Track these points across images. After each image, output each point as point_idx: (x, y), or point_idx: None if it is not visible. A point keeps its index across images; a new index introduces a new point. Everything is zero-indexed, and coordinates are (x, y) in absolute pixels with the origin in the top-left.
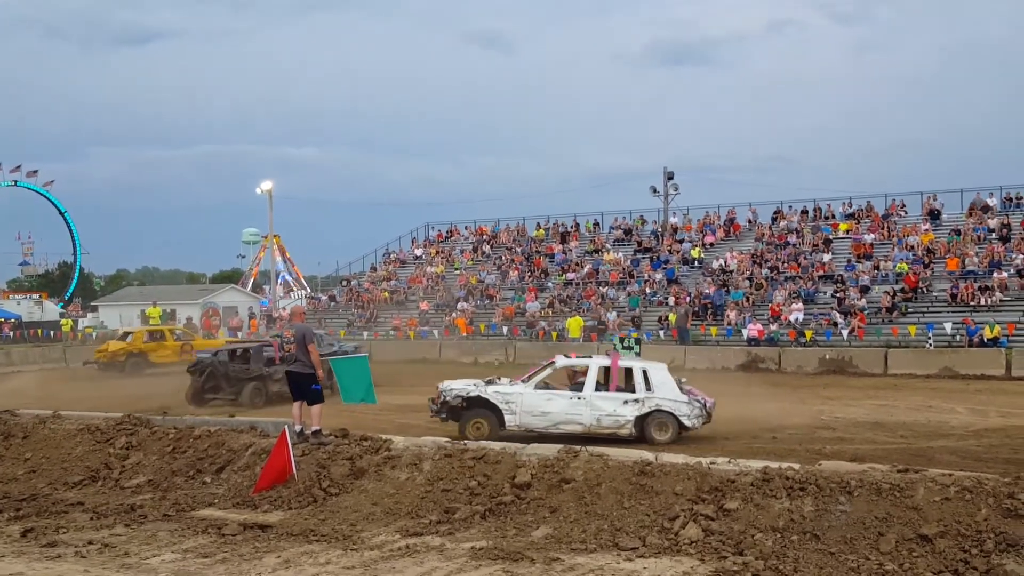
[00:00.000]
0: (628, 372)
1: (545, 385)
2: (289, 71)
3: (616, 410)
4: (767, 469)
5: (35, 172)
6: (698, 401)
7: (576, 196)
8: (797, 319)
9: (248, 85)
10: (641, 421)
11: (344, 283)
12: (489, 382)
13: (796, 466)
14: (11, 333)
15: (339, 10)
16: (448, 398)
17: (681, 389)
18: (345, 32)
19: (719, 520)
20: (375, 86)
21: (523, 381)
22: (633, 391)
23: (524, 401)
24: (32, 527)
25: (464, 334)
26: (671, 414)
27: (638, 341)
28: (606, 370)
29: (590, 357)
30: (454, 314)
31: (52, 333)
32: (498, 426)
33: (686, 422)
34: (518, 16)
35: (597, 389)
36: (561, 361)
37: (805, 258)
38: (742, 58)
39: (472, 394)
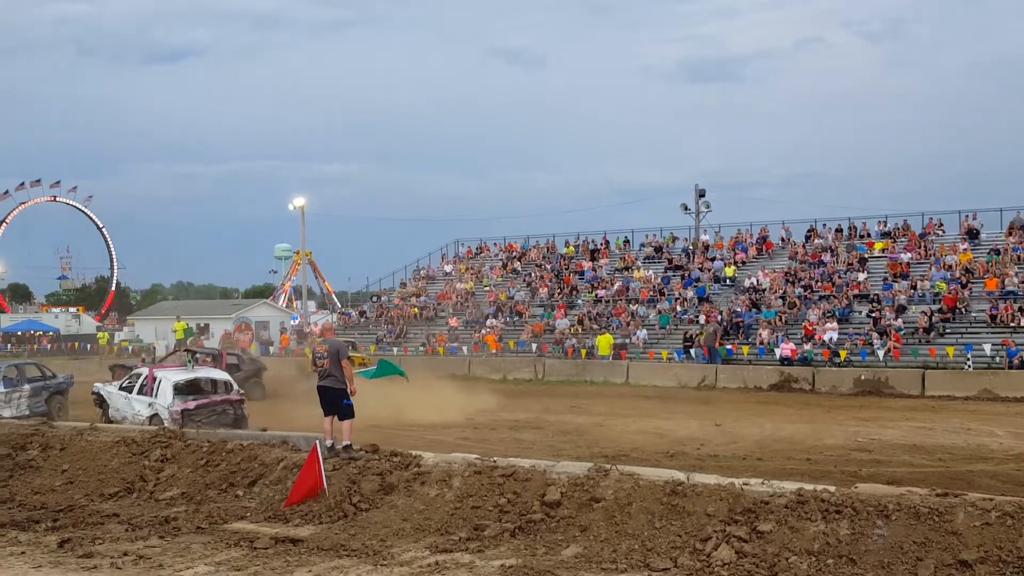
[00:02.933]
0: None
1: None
2: (318, 88)
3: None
4: (802, 491)
5: (74, 188)
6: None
7: (604, 213)
8: (831, 339)
9: (278, 102)
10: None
11: (374, 299)
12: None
13: (832, 488)
14: (49, 346)
15: (366, 27)
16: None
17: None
18: (372, 49)
19: (752, 542)
20: (403, 102)
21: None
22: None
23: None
24: (69, 538)
25: (493, 351)
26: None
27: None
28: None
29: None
30: (483, 331)
31: (89, 346)
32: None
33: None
34: (544, 32)
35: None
36: (136, 370)
37: (840, 277)
38: (771, 75)
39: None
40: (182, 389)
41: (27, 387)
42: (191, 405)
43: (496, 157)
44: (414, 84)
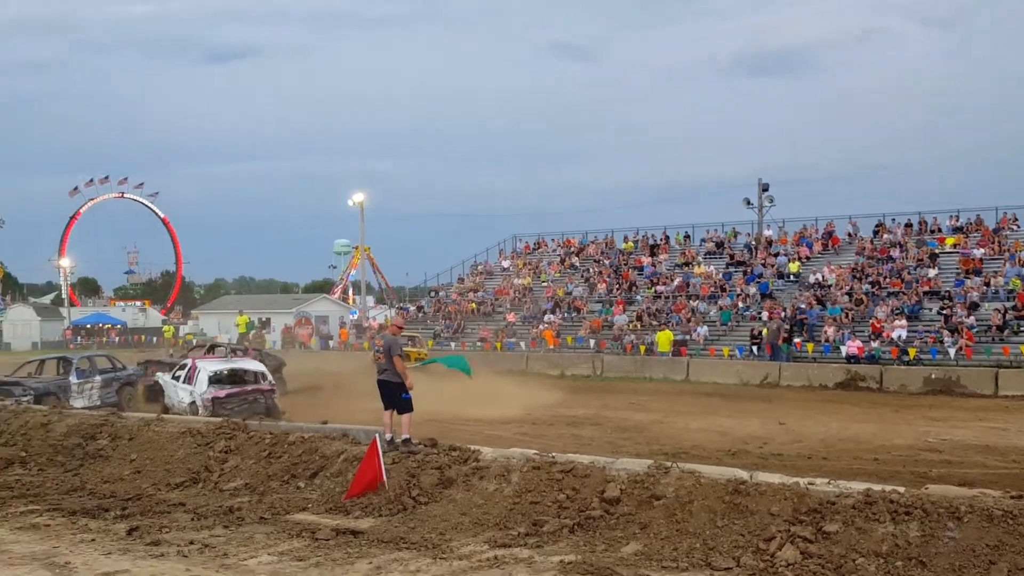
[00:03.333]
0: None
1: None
2: (377, 85)
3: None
4: (870, 491)
5: (141, 184)
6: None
7: (664, 208)
8: (900, 336)
9: (338, 98)
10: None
11: (432, 294)
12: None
13: (901, 489)
14: (116, 338)
15: (421, 23)
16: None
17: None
18: (430, 45)
19: (818, 543)
20: (460, 98)
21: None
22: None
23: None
24: (137, 526)
25: (551, 347)
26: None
27: None
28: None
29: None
30: (541, 326)
31: (155, 339)
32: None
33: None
34: (600, 26)
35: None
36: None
37: (909, 273)
38: (836, 65)
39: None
40: (217, 378)
41: (99, 378)
42: (222, 394)
43: (553, 152)
44: (471, 79)
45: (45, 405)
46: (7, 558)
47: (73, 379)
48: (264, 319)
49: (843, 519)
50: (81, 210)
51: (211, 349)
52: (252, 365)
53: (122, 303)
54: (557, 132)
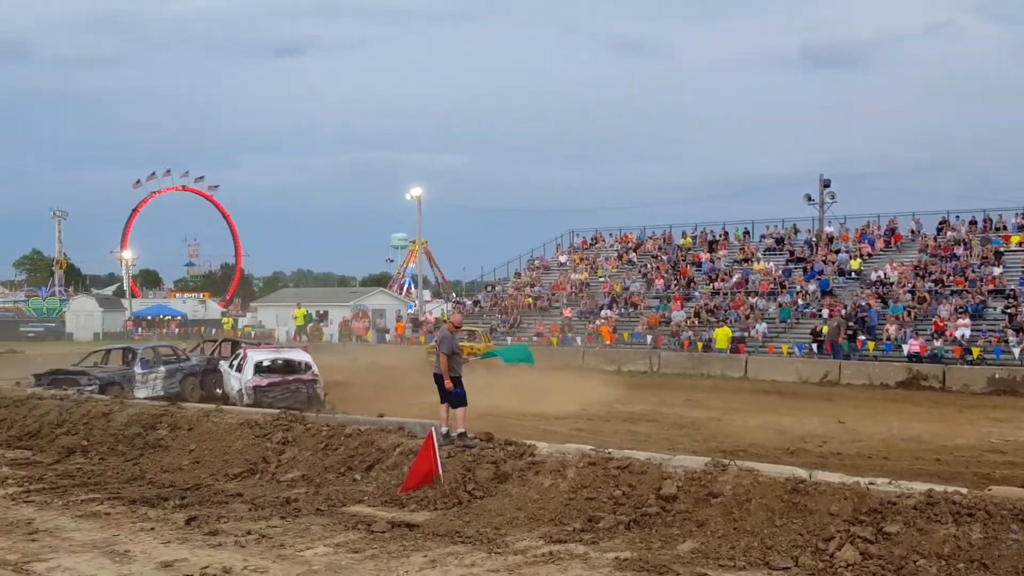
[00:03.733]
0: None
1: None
2: (435, 79)
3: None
4: (931, 492)
5: (202, 178)
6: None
7: (722, 203)
8: (964, 335)
9: (396, 93)
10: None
11: (489, 288)
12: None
13: (963, 490)
14: (177, 330)
15: (483, 18)
16: None
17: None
18: (488, 39)
19: (878, 544)
20: (519, 92)
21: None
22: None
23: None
24: (196, 515)
25: (608, 342)
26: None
27: None
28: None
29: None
30: (598, 322)
31: (214, 331)
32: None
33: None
34: (661, 20)
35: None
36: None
37: (973, 271)
38: (900, 60)
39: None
40: (261, 368)
41: (163, 368)
42: (263, 383)
43: (612, 147)
44: (529, 74)
45: (109, 395)
46: (68, 545)
47: (138, 369)
48: (321, 312)
49: (904, 520)
50: (143, 203)
51: (233, 345)
52: (298, 356)
53: (182, 295)
54: (617, 126)
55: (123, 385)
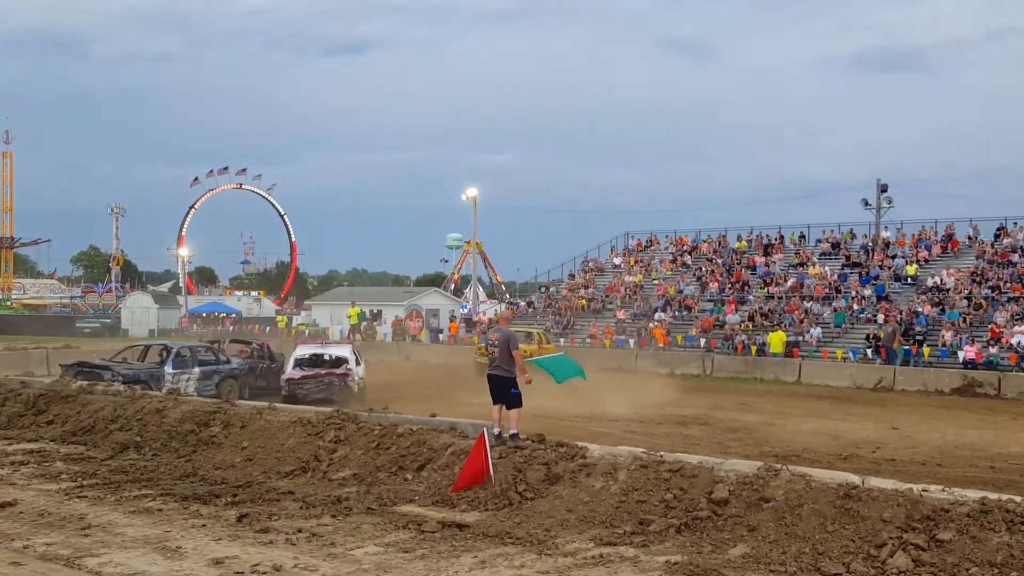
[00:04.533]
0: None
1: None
2: (490, 79)
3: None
4: (985, 500)
5: (259, 176)
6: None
7: (778, 207)
8: (1020, 342)
9: (449, 92)
10: None
11: (542, 289)
12: None
13: (1017, 499)
14: (231, 327)
15: (536, 18)
16: None
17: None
18: (542, 40)
19: (931, 551)
20: (574, 93)
21: None
22: None
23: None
24: (247, 513)
25: (661, 345)
26: None
27: None
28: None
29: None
30: (651, 324)
31: (268, 329)
32: None
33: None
34: (717, 22)
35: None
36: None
37: None
38: (958, 66)
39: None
40: (300, 362)
41: (197, 370)
42: (297, 375)
43: (666, 149)
44: (583, 74)
45: None
46: (120, 541)
47: (168, 368)
48: (375, 311)
49: (957, 527)
50: (200, 200)
51: (217, 343)
52: (338, 351)
53: (237, 292)
54: (673, 129)
55: (149, 384)
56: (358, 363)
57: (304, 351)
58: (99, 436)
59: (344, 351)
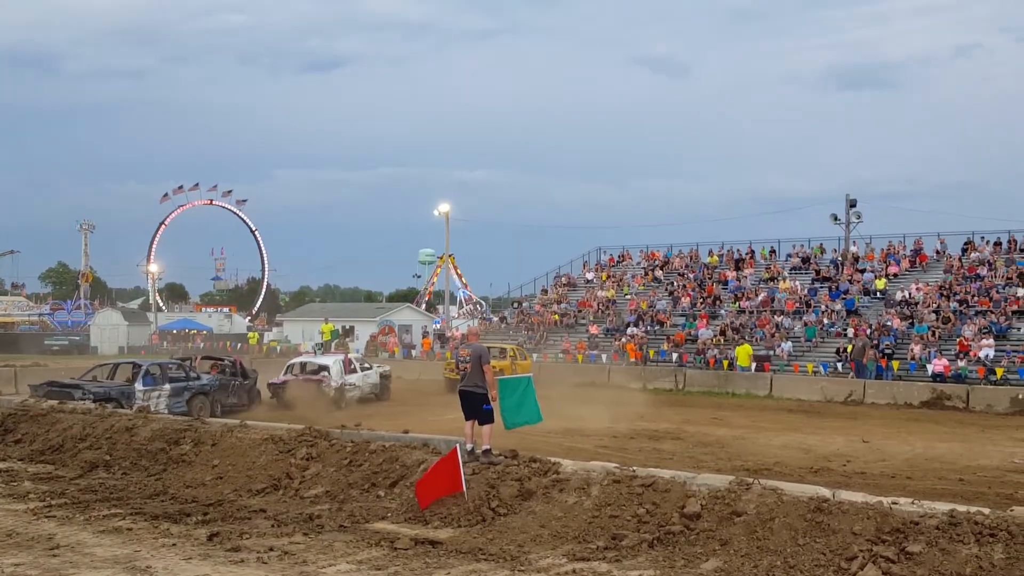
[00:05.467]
0: None
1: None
2: (463, 96)
3: None
4: (954, 512)
5: (229, 192)
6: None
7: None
8: (987, 356)
9: (423, 109)
10: None
11: (515, 304)
12: None
13: (986, 511)
14: (202, 344)
15: (511, 36)
16: None
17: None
18: (516, 57)
19: (900, 563)
20: (547, 110)
21: None
22: None
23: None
24: (218, 531)
25: (633, 359)
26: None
27: None
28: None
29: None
30: (624, 339)
31: (240, 345)
32: None
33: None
34: (688, 40)
35: None
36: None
37: (998, 292)
38: (926, 82)
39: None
40: (289, 368)
41: (168, 387)
42: (278, 380)
43: (638, 165)
44: (557, 91)
45: None
46: (90, 561)
47: (139, 386)
48: (347, 327)
49: (927, 539)
50: (170, 216)
51: (186, 360)
52: (325, 360)
53: (208, 309)
54: (644, 146)
55: (121, 402)
56: (352, 371)
57: (295, 360)
58: (68, 455)
59: (329, 361)
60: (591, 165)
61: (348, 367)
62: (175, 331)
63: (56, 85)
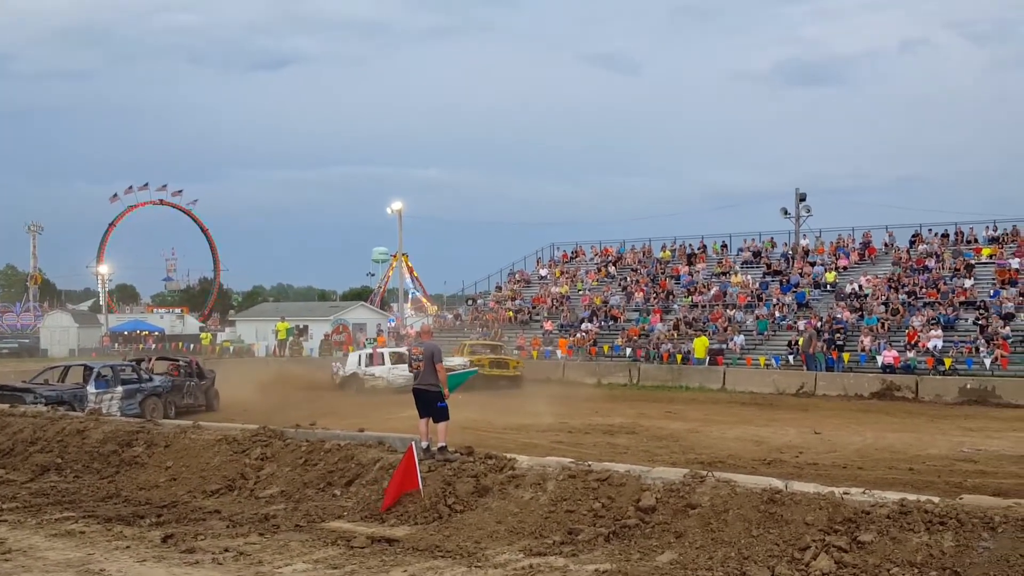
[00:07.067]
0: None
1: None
2: (418, 95)
3: None
4: (904, 501)
5: (180, 191)
6: None
7: (700, 217)
8: (936, 346)
9: (377, 108)
10: None
11: (469, 302)
12: None
13: (935, 499)
14: (154, 345)
15: (465, 35)
16: None
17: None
18: (471, 56)
19: (852, 552)
20: (500, 108)
21: None
22: None
23: None
24: (172, 533)
25: (588, 355)
26: None
27: None
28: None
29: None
30: (578, 334)
31: (192, 346)
32: None
33: None
34: (640, 37)
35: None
36: None
37: (945, 283)
38: (874, 77)
39: None
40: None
41: (120, 389)
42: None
43: (592, 162)
44: (510, 89)
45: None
46: (42, 565)
47: (91, 388)
48: (301, 327)
49: (878, 529)
50: (120, 217)
51: (139, 362)
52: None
53: (160, 310)
54: (597, 142)
55: (73, 405)
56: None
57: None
58: (18, 459)
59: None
60: (546, 163)
61: (376, 361)
62: (126, 332)
63: (1, 84)
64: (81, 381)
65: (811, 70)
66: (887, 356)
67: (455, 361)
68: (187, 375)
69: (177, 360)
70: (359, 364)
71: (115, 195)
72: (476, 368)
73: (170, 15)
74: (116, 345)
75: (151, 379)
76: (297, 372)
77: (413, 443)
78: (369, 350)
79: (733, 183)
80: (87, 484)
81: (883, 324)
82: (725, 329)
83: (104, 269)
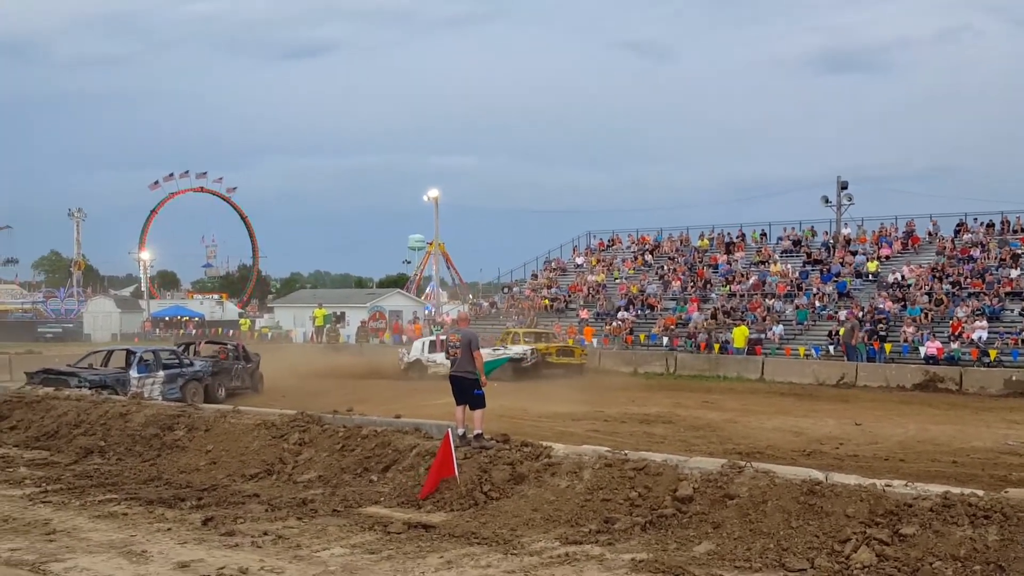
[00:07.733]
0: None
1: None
2: (452, 81)
3: None
4: (948, 494)
5: (220, 179)
6: None
7: (738, 206)
8: (980, 337)
9: (413, 95)
10: None
11: (505, 290)
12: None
13: (980, 492)
14: (194, 331)
15: (498, 21)
16: None
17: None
18: (504, 42)
19: (894, 545)
20: (535, 95)
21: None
22: None
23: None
24: (212, 516)
25: (625, 344)
26: None
27: None
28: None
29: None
30: (614, 323)
31: (231, 332)
32: None
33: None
34: (674, 25)
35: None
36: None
37: (991, 273)
38: (913, 65)
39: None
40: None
41: (162, 373)
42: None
43: (627, 150)
44: (545, 77)
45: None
46: (86, 545)
47: (133, 373)
48: (339, 314)
49: (920, 522)
50: (161, 204)
51: (187, 346)
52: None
53: (200, 296)
54: (634, 129)
55: (116, 389)
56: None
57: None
58: (63, 441)
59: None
60: (580, 150)
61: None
62: (167, 318)
63: (43, 72)
64: (124, 365)
65: (848, 58)
66: (930, 347)
67: (516, 349)
68: (235, 359)
69: (225, 344)
70: (422, 351)
71: (156, 182)
72: (521, 355)
73: (205, 4)
74: (157, 330)
75: (192, 364)
76: (355, 361)
77: (449, 430)
78: (432, 337)
79: (773, 172)
80: (129, 467)
81: (926, 315)
82: (764, 319)
83: (146, 255)
